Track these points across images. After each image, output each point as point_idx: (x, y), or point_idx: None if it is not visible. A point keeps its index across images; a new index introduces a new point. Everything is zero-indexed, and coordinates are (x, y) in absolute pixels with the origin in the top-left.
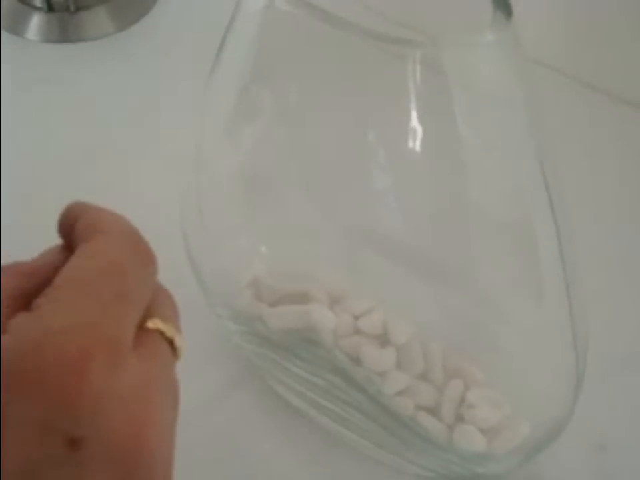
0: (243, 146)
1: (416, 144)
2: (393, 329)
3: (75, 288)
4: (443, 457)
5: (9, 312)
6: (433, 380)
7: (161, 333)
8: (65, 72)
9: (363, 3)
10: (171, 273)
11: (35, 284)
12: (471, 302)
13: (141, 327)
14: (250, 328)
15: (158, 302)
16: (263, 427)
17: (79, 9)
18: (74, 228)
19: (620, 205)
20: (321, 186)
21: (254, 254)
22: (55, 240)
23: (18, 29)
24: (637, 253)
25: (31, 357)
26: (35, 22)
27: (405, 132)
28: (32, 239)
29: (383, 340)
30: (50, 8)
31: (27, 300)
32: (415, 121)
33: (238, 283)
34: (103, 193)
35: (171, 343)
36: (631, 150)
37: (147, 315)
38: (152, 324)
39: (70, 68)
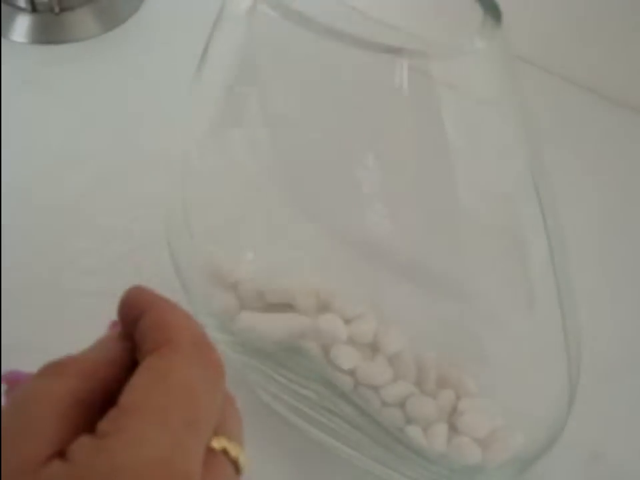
0: (230, 149)
1: (405, 149)
2: (384, 337)
3: (143, 416)
4: (433, 469)
5: (70, 430)
6: (424, 390)
7: (225, 452)
8: (50, 73)
9: (349, 4)
10: (156, 279)
11: (95, 388)
12: (462, 310)
13: (208, 448)
14: (236, 337)
15: (224, 416)
16: (250, 436)
17: (63, 10)
18: (138, 321)
19: (613, 207)
20: (308, 190)
21: (239, 259)
22: (47, 239)
23: (2, 30)
24: (629, 257)
25: None
26: (20, 23)
27: (394, 137)
28: (22, 239)
29: (374, 348)
30: (34, 9)
31: (85, 409)
32: (404, 127)
33: (223, 289)
34: (89, 195)
35: (235, 462)
36: (625, 151)
37: (214, 431)
38: (217, 444)
39: (55, 69)
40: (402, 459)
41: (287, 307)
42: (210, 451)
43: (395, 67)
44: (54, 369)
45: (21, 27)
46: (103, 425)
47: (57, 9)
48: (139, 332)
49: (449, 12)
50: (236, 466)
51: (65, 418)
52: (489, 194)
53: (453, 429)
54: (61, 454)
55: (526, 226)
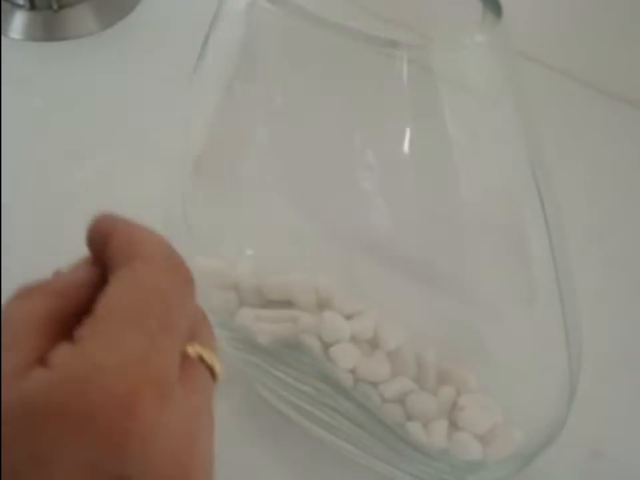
0: (228, 146)
1: (405, 144)
2: (384, 333)
3: (119, 320)
4: (433, 466)
5: (47, 342)
6: (425, 386)
7: (201, 359)
8: (48, 70)
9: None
10: None
11: (68, 306)
12: (462, 306)
13: (183, 355)
14: (236, 334)
15: (196, 324)
16: (250, 433)
17: (61, 7)
18: (107, 245)
19: (614, 203)
20: (308, 187)
21: (240, 257)
22: (46, 237)
23: (1, 27)
24: (630, 254)
25: (80, 397)
26: (18, 20)
27: (394, 132)
28: (21, 236)
29: (374, 345)
30: (32, 6)
31: (60, 324)
32: (403, 121)
33: (223, 287)
34: (86, 192)
35: (210, 368)
36: (626, 147)
37: (188, 339)
38: (192, 350)
39: (53, 66)
40: (402, 455)
41: (286, 303)
42: (186, 357)
43: (395, 61)
44: (28, 291)
45: (19, 23)
46: (80, 331)
47: (55, 6)
48: (110, 251)
49: (448, 7)
50: (212, 372)
51: (42, 332)
52: (489, 189)
53: (453, 425)
54: (41, 361)
55: (527, 222)
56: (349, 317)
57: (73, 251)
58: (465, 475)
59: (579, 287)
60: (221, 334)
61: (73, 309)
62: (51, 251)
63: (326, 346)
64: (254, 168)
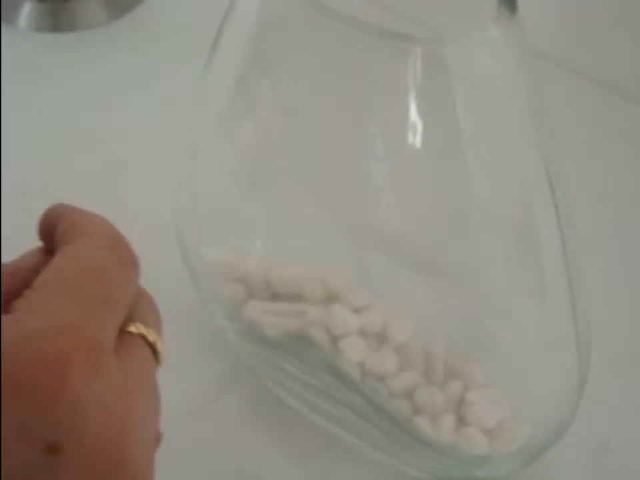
0: (239, 139)
1: (417, 139)
2: (392, 327)
3: (54, 290)
4: (441, 460)
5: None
6: (432, 381)
7: (143, 338)
8: (57, 62)
9: None
10: (164, 267)
11: (15, 285)
12: (472, 300)
13: (123, 331)
14: (244, 326)
15: (140, 307)
16: (257, 426)
17: None
18: (55, 230)
19: (624, 200)
20: (319, 180)
21: (249, 249)
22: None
23: (9, 18)
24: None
25: (9, 360)
26: (27, 11)
27: (406, 127)
28: (26, 228)
29: (382, 339)
30: None
31: (6, 302)
32: (416, 116)
33: (232, 279)
34: (96, 183)
35: (153, 348)
36: (634, 144)
37: (129, 319)
38: (134, 328)
39: (62, 58)
40: (410, 450)
41: (294, 296)
42: (126, 333)
43: (409, 55)
44: None
45: (27, 14)
46: (17, 302)
47: None
48: (57, 235)
49: (463, 3)
50: (154, 351)
51: None
52: (501, 184)
53: (461, 419)
54: None
55: (537, 216)
56: (357, 311)
57: None
58: (472, 470)
59: (590, 279)
60: (229, 326)
61: (20, 289)
62: None
63: (334, 339)
64: (265, 160)
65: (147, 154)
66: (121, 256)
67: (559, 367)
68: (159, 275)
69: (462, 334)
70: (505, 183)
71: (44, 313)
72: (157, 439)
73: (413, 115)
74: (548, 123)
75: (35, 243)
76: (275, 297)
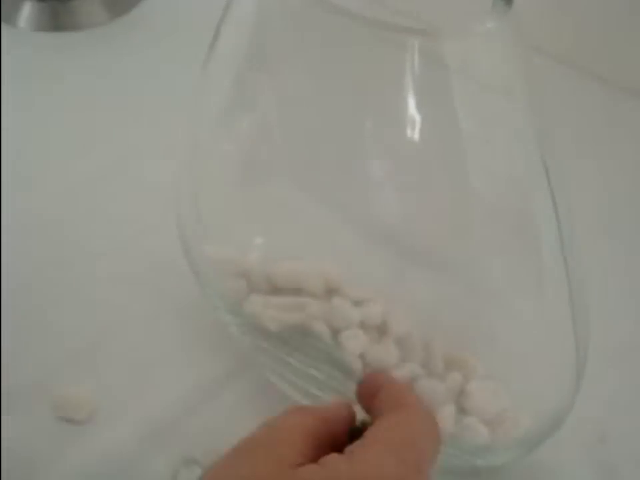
0: (239, 134)
1: (415, 133)
2: (392, 319)
3: (384, 448)
4: (441, 450)
5: (310, 450)
6: (433, 372)
7: None
8: (57, 61)
9: None
10: (166, 263)
11: (326, 430)
12: (472, 292)
13: None
14: (246, 320)
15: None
16: (259, 418)
17: None
18: (375, 397)
19: (622, 194)
20: (319, 175)
21: (249, 244)
22: (54, 233)
23: (9, 18)
24: (638, 240)
25: None
26: (27, 10)
27: (404, 121)
28: (31, 225)
29: (382, 331)
30: None
31: (317, 441)
32: (413, 110)
33: (233, 274)
34: (98, 181)
35: None
36: (633, 139)
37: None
38: None
39: (62, 57)
40: None
41: (295, 290)
42: None
43: (406, 48)
44: (298, 409)
45: (28, 14)
46: (351, 447)
47: None
48: (378, 401)
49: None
50: None
51: (305, 440)
52: (500, 178)
53: (461, 410)
54: (312, 461)
55: (536, 210)
56: (357, 303)
57: (84, 237)
58: (473, 459)
59: (587, 271)
60: (231, 320)
61: (328, 433)
62: (63, 238)
63: (335, 332)
64: (265, 156)
65: (147, 153)
66: (435, 432)
67: (558, 358)
68: (160, 270)
69: (462, 326)
70: (502, 176)
71: (375, 464)
72: None
73: (411, 108)
74: (546, 117)
75: (35, 242)
76: (276, 291)
